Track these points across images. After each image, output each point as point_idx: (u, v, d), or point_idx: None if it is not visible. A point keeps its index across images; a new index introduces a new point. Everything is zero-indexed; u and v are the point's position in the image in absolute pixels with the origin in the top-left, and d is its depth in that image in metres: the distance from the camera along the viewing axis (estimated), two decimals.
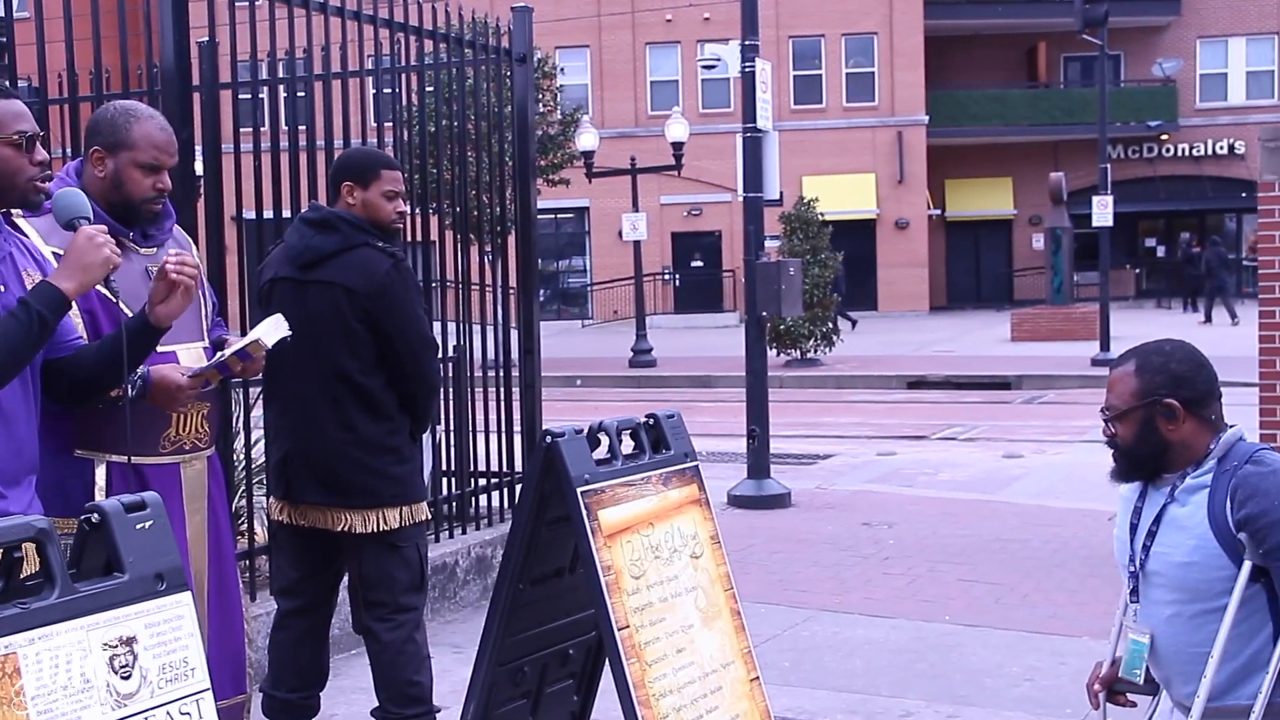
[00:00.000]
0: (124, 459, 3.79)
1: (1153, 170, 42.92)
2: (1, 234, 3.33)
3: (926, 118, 40.82)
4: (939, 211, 42.71)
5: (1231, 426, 3.19)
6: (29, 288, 3.31)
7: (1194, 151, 42.80)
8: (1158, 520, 3.21)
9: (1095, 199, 23.52)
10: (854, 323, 31.17)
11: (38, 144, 3.27)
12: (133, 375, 3.67)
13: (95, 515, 2.49)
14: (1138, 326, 29.81)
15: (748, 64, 10.80)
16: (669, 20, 40.44)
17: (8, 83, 3.27)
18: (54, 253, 3.73)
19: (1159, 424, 3.10)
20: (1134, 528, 3.29)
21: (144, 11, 5.79)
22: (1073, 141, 40.93)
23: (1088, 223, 25.24)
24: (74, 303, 3.34)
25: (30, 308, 3.18)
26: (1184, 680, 3.17)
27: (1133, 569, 3.28)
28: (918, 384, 21.79)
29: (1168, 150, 42.90)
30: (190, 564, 3.73)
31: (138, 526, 2.52)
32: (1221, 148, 42.51)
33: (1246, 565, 3.01)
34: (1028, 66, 44.67)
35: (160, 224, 3.99)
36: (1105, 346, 22.32)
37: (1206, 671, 3.04)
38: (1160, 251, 44.38)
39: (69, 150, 6.31)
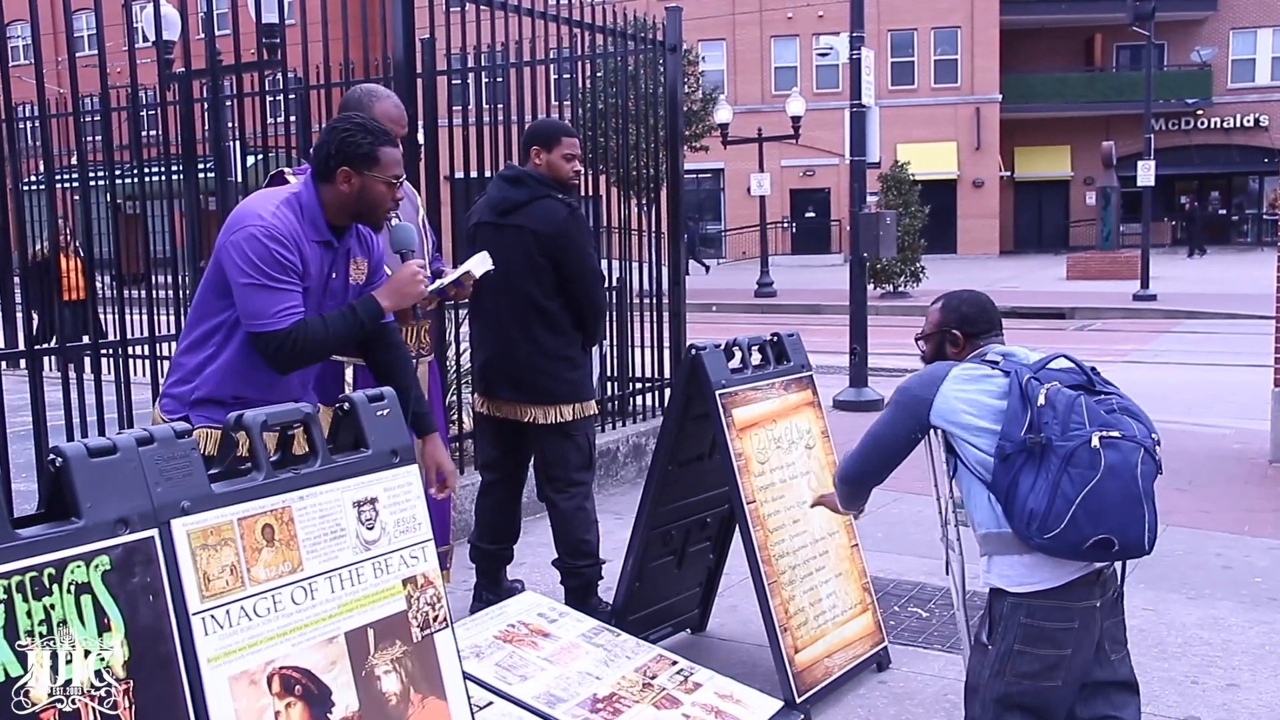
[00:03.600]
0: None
1: (1188, 140, 41.12)
2: (349, 233, 3.37)
3: (1000, 96, 39.55)
4: (1009, 173, 41.47)
5: (996, 346, 3.11)
6: (352, 273, 3.38)
7: (1224, 124, 40.93)
8: None
9: (1140, 163, 22.66)
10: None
11: (399, 185, 3.33)
12: None
13: (346, 404, 2.56)
14: (1171, 269, 28.80)
15: (854, 52, 10.57)
16: (790, 17, 39.71)
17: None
18: None
19: (946, 347, 3.13)
20: None
21: (380, 17, 5.83)
22: (1122, 116, 39.34)
23: (1133, 183, 24.33)
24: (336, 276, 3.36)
25: (357, 314, 3.28)
26: None
27: None
28: None
29: (1202, 123, 41.06)
30: (415, 444, 3.81)
31: (378, 414, 2.58)
32: (1249, 121, 40.59)
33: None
34: (1085, 53, 42.93)
35: None
36: (1145, 285, 21.54)
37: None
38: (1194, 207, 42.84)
39: (324, 124, 6.42)
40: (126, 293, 5.37)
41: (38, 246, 8.31)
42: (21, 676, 1.85)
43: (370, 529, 2.48)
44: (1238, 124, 40.87)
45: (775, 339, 4.42)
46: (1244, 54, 41.04)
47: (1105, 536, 2.70)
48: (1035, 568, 2.83)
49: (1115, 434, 2.72)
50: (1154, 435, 2.80)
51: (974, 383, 2.91)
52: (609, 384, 7.45)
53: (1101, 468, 2.68)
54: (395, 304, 3.36)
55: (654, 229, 7.97)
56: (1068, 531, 2.69)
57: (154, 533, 2.07)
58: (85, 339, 4.95)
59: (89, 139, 6.74)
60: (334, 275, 3.32)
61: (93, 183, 5.48)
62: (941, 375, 2.96)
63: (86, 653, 1.93)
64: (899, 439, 3.03)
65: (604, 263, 6.45)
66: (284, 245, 3.10)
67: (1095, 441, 2.70)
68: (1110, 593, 2.92)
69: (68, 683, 1.90)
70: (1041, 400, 2.77)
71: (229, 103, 6.61)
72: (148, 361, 5.89)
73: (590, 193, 7.32)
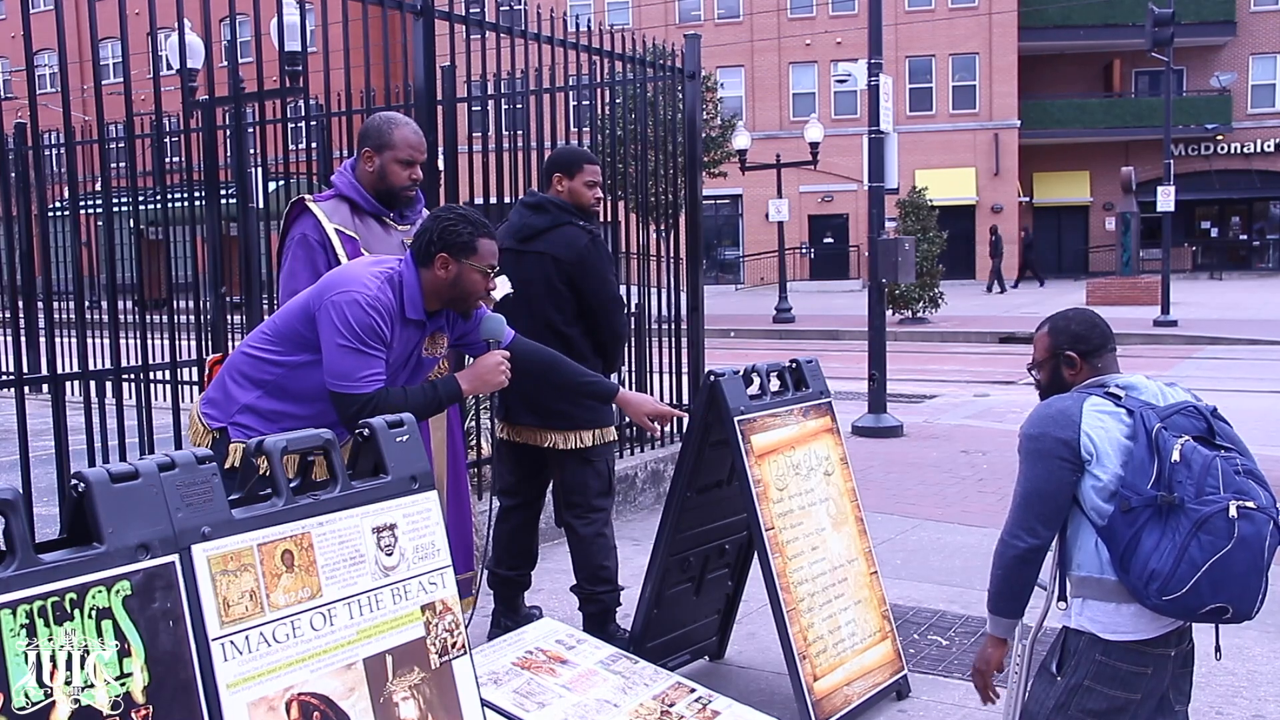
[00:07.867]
0: None
1: (1208, 165, 41.01)
2: (440, 314, 3.50)
3: (1018, 122, 39.59)
4: (1028, 199, 41.44)
5: (1115, 375, 2.97)
6: (427, 347, 3.52)
7: (1244, 149, 40.81)
8: None
9: (1160, 189, 22.56)
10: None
11: (493, 275, 3.47)
12: None
13: (366, 430, 2.57)
14: (1192, 294, 28.65)
15: (872, 78, 10.58)
16: (808, 44, 39.87)
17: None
18: (335, 229, 3.83)
19: (1062, 370, 2.98)
20: None
21: (401, 44, 5.88)
22: (1141, 141, 39.32)
23: (1153, 208, 24.24)
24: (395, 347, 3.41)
25: (437, 391, 3.44)
26: None
27: None
28: (1008, 339, 21.18)
29: (1222, 148, 40.95)
30: (434, 470, 3.82)
31: (397, 439, 2.58)
32: (1269, 146, 40.48)
33: None
34: (1104, 79, 42.94)
35: (413, 207, 4.06)
36: (1166, 310, 21.43)
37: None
38: (1214, 233, 42.56)
39: (345, 151, 6.46)
40: (148, 318, 5.41)
41: None
42: (42, 701, 1.85)
43: (389, 555, 2.48)
44: (1258, 149, 40.74)
45: (794, 365, 4.41)
46: (1264, 79, 40.97)
47: (1223, 605, 2.65)
48: (1134, 618, 2.77)
49: (1250, 504, 2.66)
50: (1276, 504, 2.72)
51: (1108, 416, 2.79)
52: None
53: (1235, 538, 2.62)
54: (474, 389, 3.53)
55: (672, 254, 7.98)
56: (1188, 597, 2.63)
57: (175, 558, 2.08)
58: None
59: (114, 165, 6.80)
60: (414, 351, 3.46)
61: (116, 208, 5.52)
62: (1075, 414, 2.82)
63: (107, 678, 1.94)
64: (1064, 487, 2.83)
65: (623, 288, 6.46)
66: (382, 317, 3.25)
67: (1233, 511, 2.63)
68: (1185, 643, 2.88)
69: (88, 708, 1.90)
70: (1176, 457, 2.67)
71: (252, 129, 6.66)
72: (169, 387, 5.91)
73: (609, 218, 7.34)
